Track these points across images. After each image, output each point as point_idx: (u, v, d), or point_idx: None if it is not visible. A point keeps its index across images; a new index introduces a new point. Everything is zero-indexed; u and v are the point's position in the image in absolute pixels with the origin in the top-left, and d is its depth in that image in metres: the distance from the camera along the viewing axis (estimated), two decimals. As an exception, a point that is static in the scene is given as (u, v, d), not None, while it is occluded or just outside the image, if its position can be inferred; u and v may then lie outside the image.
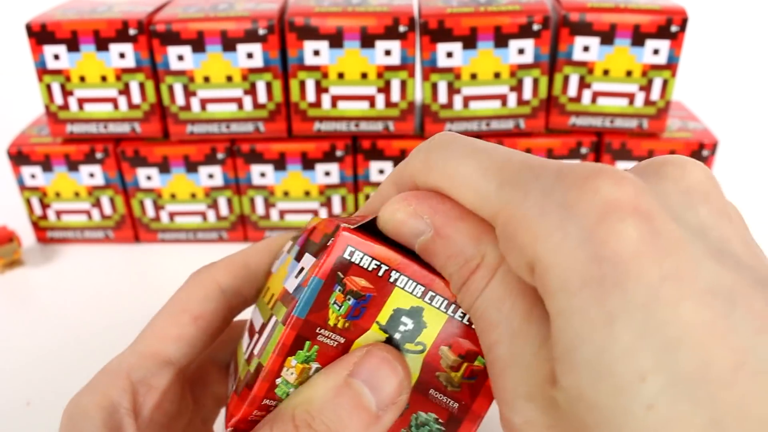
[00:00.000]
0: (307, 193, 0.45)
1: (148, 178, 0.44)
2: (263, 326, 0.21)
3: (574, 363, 0.14)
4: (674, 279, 0.13)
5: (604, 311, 0.13)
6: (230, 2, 0.43)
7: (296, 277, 0.20)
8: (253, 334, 0.22)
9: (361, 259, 0.18)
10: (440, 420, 0.20)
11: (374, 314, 0.19)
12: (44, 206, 0.46)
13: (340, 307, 0.19)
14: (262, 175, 0.44)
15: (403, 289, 0.19)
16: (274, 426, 0.18)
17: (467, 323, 0.19)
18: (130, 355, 0.22)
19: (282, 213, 0.46)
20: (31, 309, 0.42)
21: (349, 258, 0.18)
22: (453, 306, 0.19)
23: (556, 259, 0.14)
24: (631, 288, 0.13)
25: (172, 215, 0.46)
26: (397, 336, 0.19)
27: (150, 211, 0.46)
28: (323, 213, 0.45)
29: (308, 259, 0.19)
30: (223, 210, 0.46)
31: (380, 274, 0.19)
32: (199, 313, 0.23)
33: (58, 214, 0.46)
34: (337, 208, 0.45)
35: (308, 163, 0.43)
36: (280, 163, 0.43)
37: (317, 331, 0.19)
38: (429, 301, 0.19)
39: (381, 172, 0.44)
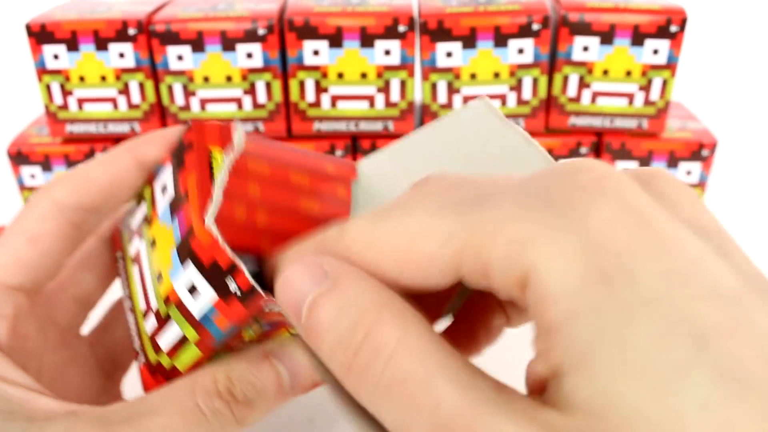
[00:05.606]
0: (306, 193, 0.45)
1: (148, 178, 0.44)
2: (160, 318, 0.20)
3: (594, 366, 0.12)
4: (678, 275, 0.13)
5: (620, 304, 0.12)
6: (230, 2, 0.43)
7: (192, 294, 0.18)
8: (147, 312, 0.21)
9: None
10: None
11: (284, 325, 0.19)
12: (44, 206, 0.46)
13: (255, 329, 0.19)
14: (262, 175, 0.44)
15: None
16: (196, 386, 0.18)
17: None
18: None
19: (282, 213, 0.46)
20: (30, 309, 0.42)
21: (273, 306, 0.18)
22: None
23: (553, 262, 0.13)
24: (642, 281, 0.12)
25: (171, 215, 0.46)
26: None
27: (150, 211, 0.46)
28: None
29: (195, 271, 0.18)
30: (223, 210, 0.46)
31: None
32: (34, 234, 0.22)
33: (58, 214, 0.46)
34: (336, 208, 0.45)
35: (308, 163, 0.43)
36: (279, 163, 0.43)
37: (231, 345, 0.19)
38: None
39: (380, 172, 0.44)
